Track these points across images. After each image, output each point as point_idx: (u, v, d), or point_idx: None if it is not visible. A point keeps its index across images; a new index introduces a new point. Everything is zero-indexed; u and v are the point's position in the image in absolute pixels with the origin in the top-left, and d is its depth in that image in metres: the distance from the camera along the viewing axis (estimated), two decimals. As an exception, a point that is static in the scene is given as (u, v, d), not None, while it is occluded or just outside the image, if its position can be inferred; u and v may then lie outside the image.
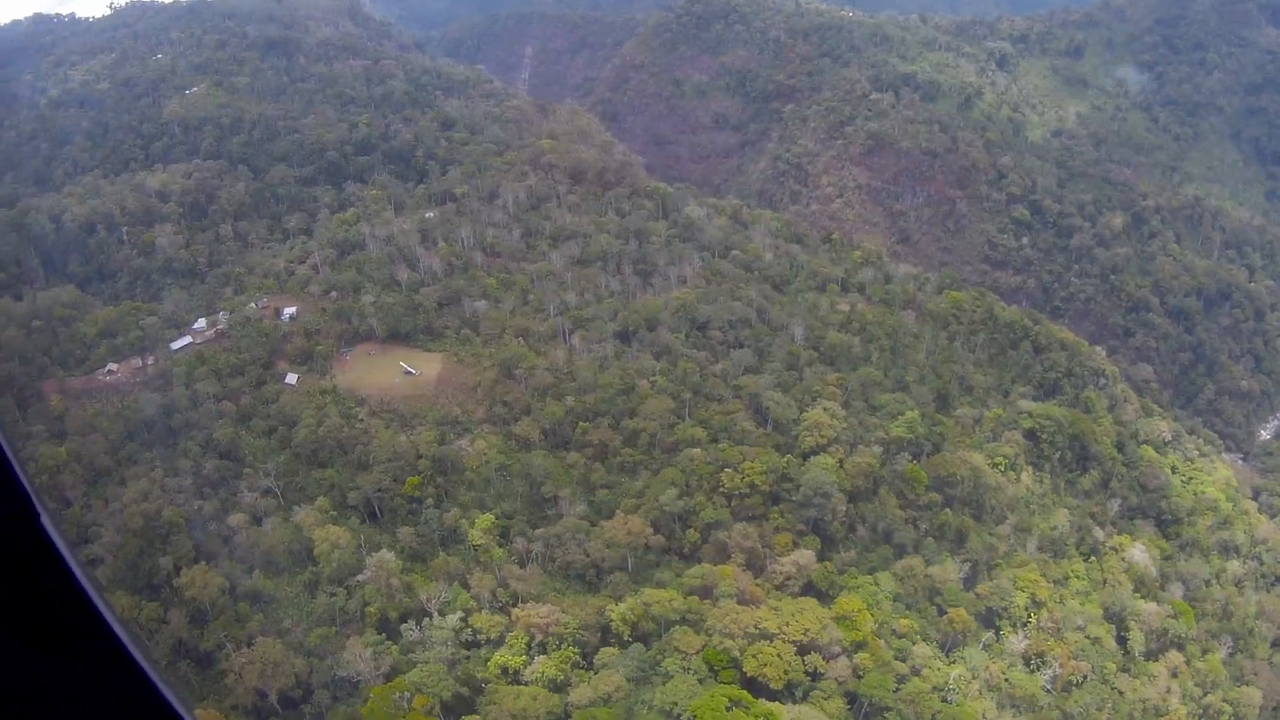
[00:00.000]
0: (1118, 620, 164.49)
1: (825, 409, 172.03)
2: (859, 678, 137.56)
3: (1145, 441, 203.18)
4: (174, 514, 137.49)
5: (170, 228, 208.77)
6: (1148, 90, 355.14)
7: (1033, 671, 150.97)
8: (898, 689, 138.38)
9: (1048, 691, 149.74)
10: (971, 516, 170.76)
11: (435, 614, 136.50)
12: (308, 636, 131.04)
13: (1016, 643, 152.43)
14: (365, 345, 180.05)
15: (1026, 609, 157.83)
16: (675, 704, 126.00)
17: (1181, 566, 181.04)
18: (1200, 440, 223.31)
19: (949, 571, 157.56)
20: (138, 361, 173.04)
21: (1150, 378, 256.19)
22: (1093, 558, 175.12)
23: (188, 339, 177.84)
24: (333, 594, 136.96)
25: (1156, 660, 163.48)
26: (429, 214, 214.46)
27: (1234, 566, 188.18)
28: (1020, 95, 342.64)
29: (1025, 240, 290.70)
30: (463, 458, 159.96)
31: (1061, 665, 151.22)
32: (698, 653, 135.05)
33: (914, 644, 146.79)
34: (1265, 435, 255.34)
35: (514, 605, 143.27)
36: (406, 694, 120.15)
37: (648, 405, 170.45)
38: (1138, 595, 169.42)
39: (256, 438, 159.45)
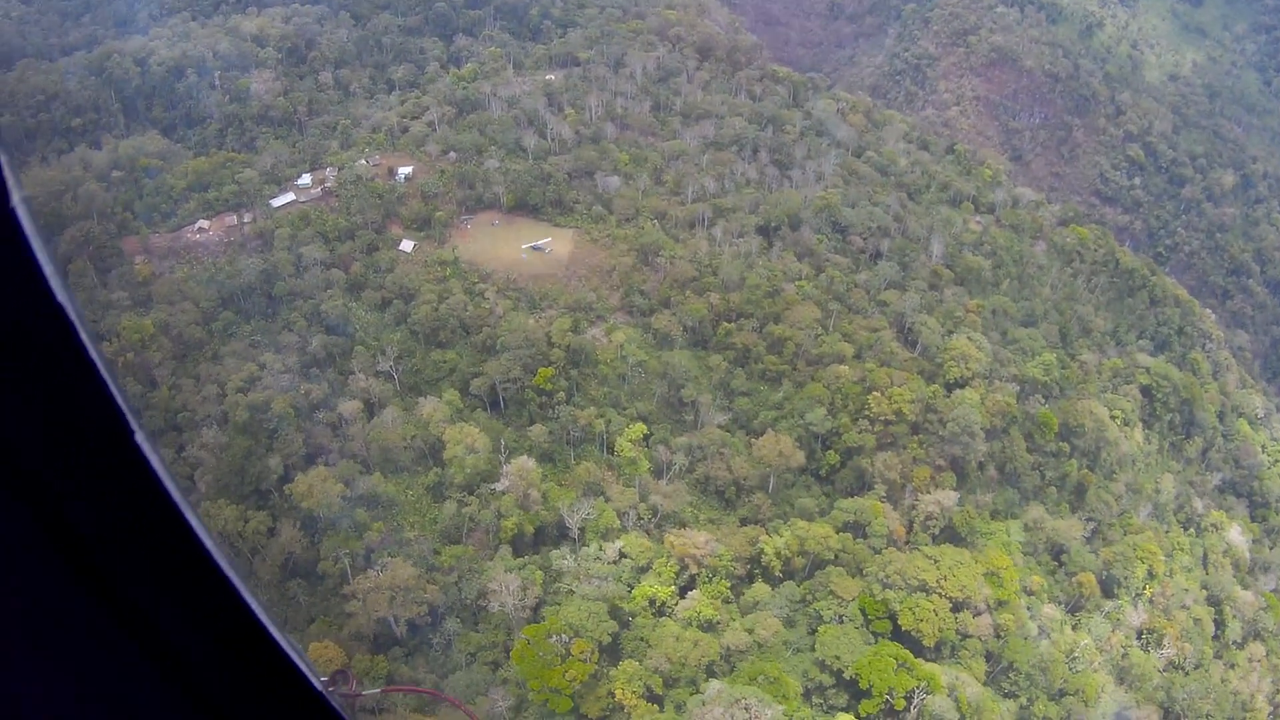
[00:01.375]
0: (1215, 604, 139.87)
1: (971, 339, 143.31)
2: (999, 638, 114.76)
3: (1242, 414, 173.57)
4: (283, 404, 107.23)
5: (269, 74, 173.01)
6: (1264, 52, 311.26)
7: (1147, 649, 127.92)
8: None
9: (1159, 672, 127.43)
10: (1087, 468, 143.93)
11: (584, 537, 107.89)
12: (437, 555, 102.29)
13: (1135, 616, 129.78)
14: (488, 214, 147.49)
15: (1144, 580, 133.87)
16: (838, 658, 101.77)
17: (1267, 555, 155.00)
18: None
19: (1074, 528, 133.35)
20: (233, 219, 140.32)
21: (1246, 346, 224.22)
22: (1191, 530, 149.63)
23: (290, 196, 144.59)
24: (463, 503, 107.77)
25: (1241, 649, 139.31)
26: (550, 77, 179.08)
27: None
28: (1139, 33, 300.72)
29: (1137, 180, 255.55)
30: (596, 349, 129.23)
31: (1172, 646, 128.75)
32: (854, 599, 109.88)
33: (1043, 604, 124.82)
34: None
35: (654, 522, 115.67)
36: (564, 637, 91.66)
37: (794, 312, 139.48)
38: (1235, 580, 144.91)
39: (368, 311, 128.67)
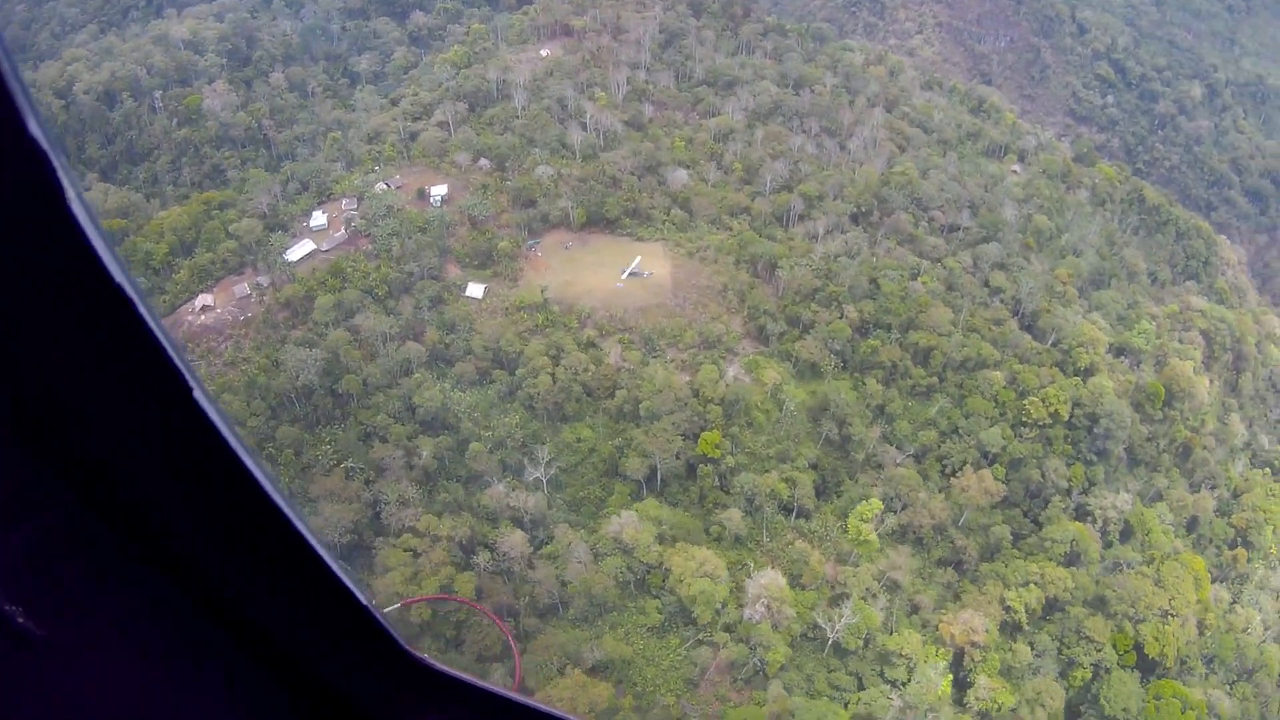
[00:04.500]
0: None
1: (1091, 321, 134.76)
2: (1201, 634, 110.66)
3: (1270, 339, 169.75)
4: (466, 585, 77.53)
5: (222, 85, 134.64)
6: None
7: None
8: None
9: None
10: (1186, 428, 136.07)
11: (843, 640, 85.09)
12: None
13: (1275, 578, 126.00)
14: (556, 235, 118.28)
15: (1272, 540, 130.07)
16: (1125, 710, 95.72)
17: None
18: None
19: (1206, 501, 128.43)
20: (242, 286, 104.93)
21: (1243, 260, 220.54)
22: (1266, 470, 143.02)
23: (308, 245, 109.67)
24: (708, 642, 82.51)
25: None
26: (544, 52, 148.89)
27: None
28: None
29: (1110, 99, 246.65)
30: (745, 393, 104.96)
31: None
32: (1107, 640, 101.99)
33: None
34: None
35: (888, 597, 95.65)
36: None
37: (929, 316, 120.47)
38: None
39: (465, 389, 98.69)
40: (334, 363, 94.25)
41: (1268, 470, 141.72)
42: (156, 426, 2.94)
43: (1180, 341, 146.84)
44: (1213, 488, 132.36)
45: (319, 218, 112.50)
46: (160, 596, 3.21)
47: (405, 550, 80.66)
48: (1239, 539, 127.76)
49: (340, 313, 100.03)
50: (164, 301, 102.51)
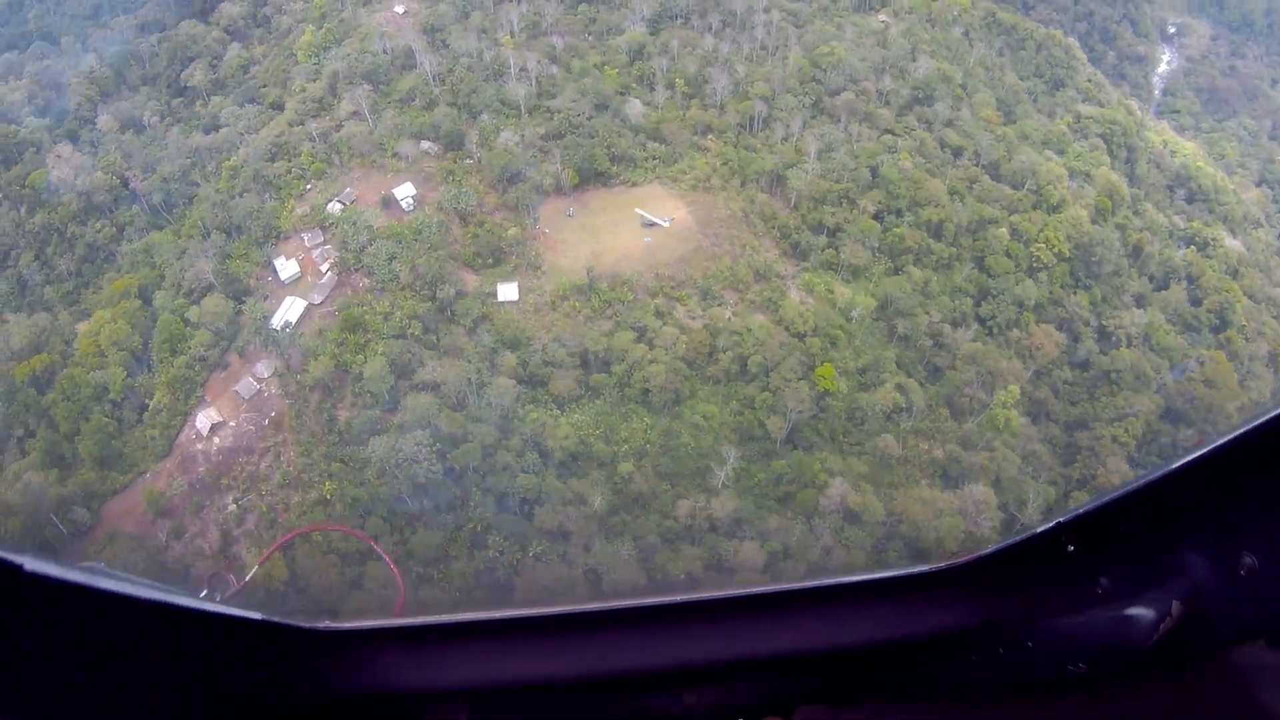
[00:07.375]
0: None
1: (1052, 160, 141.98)
2: None
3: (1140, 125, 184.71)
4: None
5: (64, 149, 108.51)
6: None
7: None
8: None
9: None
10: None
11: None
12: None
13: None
14: (553, 204, 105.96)
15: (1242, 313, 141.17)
16: None
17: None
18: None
19: (1178, 293, 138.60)
20: (245, 383, 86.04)
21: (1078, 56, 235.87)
22: (1192, 249, 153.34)
23: (296, 304, 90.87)
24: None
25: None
26: (398, 8, 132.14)
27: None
28: None
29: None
30: (824, 315, 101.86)
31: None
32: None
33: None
34: (1158, 93, 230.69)
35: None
36: None
37: (928, 190, 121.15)
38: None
39: (579, 410, 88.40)
40: (440, 437, 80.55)
41: (1193, 248, 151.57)
42: None
43: (1087, 150, 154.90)
44: (1179, 281, 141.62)
45: (287, 266, 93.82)
46: None
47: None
48: (1218, 321, 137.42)
49: (395, 371, 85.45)
50: (152, 437, 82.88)
